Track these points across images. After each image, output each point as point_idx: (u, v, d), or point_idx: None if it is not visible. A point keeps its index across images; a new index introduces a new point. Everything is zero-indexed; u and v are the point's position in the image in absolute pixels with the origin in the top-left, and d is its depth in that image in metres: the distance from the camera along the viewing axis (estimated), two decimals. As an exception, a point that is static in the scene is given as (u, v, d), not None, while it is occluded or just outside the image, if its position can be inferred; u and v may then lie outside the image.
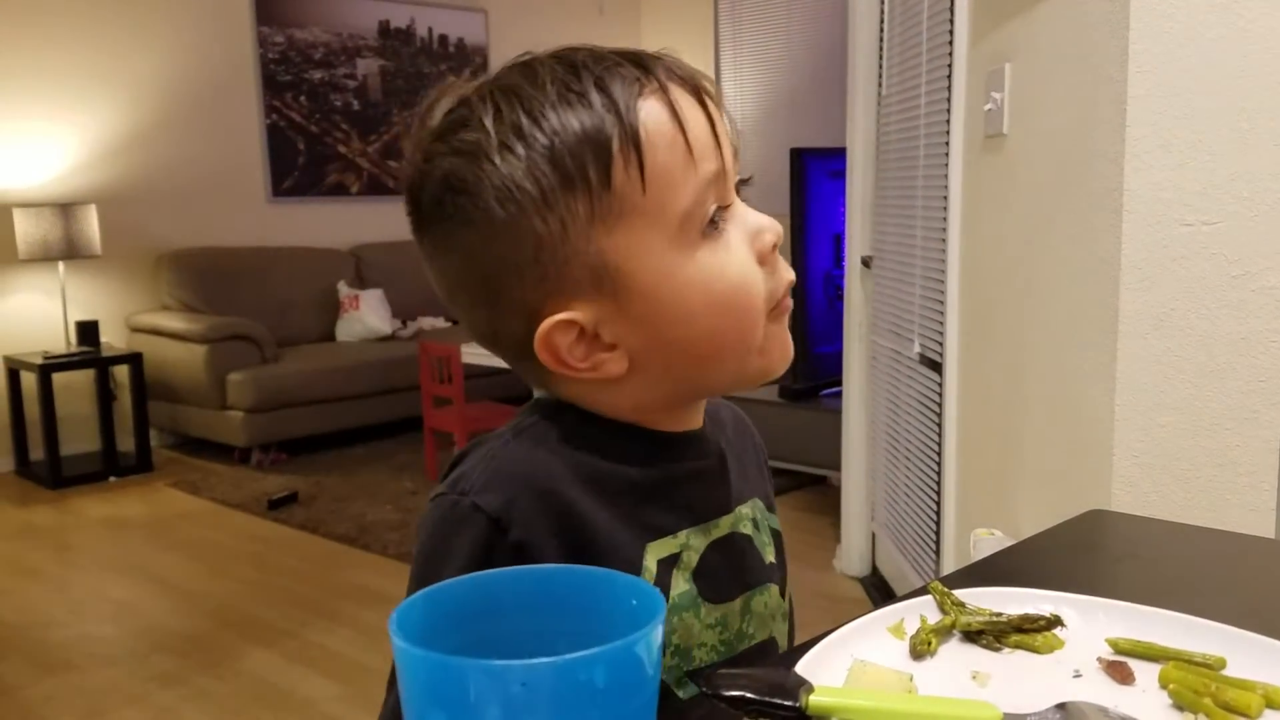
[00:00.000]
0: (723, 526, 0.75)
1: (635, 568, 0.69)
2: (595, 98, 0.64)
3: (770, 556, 0.79)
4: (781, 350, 0.71)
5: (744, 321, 0.68)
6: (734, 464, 0.79)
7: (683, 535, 0.72)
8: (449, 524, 0.66)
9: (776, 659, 0.78)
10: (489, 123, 0.65)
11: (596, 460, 0.70)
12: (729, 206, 0.68)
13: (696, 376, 0.70)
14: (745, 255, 0.67)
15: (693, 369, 0.69)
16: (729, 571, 0.74)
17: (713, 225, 0.66)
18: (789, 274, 0.70)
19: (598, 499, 0.68)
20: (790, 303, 0.71)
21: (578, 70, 0.65)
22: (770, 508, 0.83)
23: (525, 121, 0.64)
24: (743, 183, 0.71)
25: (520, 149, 0.64)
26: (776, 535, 0.82)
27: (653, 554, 0.70)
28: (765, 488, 0.84)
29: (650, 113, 0.64)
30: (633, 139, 0.63)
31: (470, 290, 0.70)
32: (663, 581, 0.69)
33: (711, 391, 0.74)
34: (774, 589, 0.78)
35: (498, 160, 0.64)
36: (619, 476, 0.70)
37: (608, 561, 0.66)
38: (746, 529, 0.77)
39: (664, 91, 0.65)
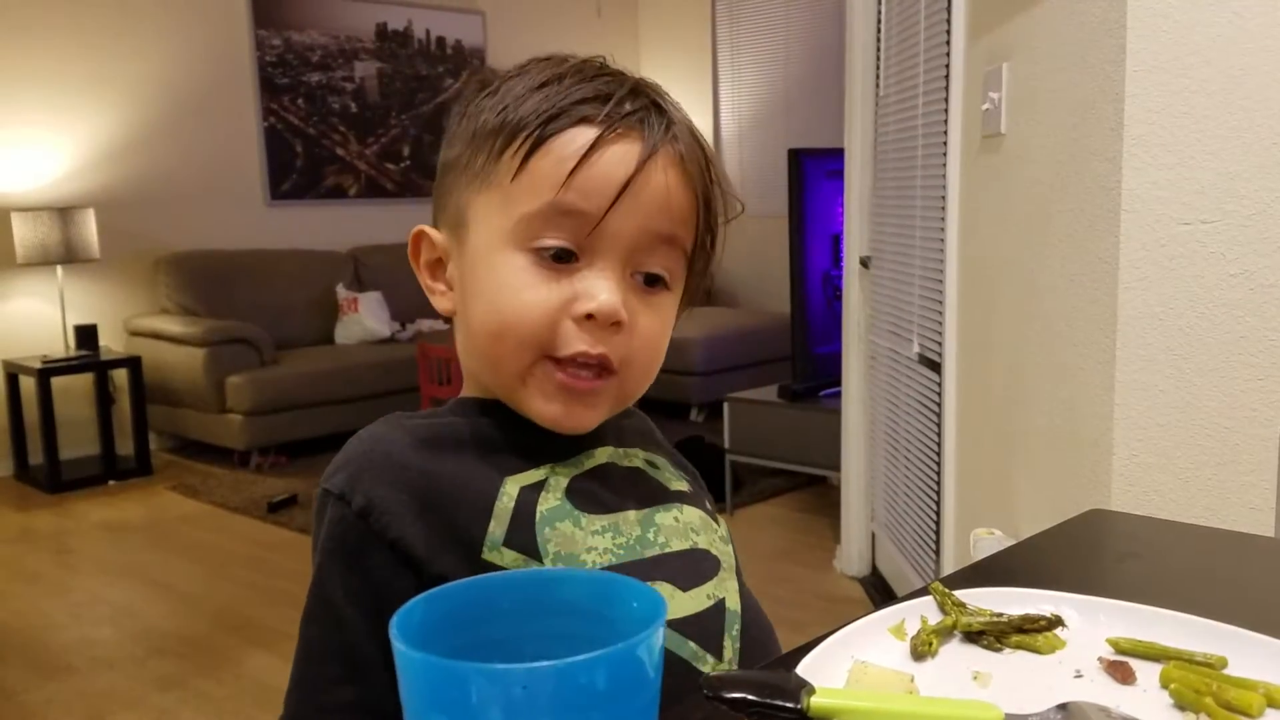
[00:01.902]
0: (597, 457, 0.77)
1: (490, 499, 0.70)
2: (557, 97, 0.70)
3: (680, 486, 0.81)
4: (548, 409, 0.71)
5: (504, 336, 0.70)
6: (621, 428, 0.81)
7: (545, 468, 0.74)
8: (316, 514, 0.72)
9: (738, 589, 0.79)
10: (511, 72, 0.75)
11: (453, 429, 0.75)
12: (583, 260, 0.70)
13: (476, 363, 0.75)
14: (556, 298, 0.69)
15: (472, 350, 0.75)
16: (612, 490, 0.75)
17: (553, 258, 0.69)
18: (585, 347, 0.69)
19: (444, 452, 0.72)
20: (583, 384, 0.70)
21: (587, 74, 0.72)
22: (676, 466, 0.85)
23: (518, 83, 0.73)
24: (654, 279, 0.72)
25: (495, 98, 0.73)
26: (695, 478, 0.84)
27: (513, 483, 0.72)
28: (671, 456, 0.86)
29: (573, 134, 0.70)
30: (536, 138, 0.70)
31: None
32: (527, 501, 0.71)
33: (506, 400, 0.74)
34: (690, 509, 0.79)
35: (483, 96, 0.74)
36: (470, 433, 0.74)
37: (458, 500, 0.70)
38: (634, 463, 0.79)
39: (607, 131, 0.69)
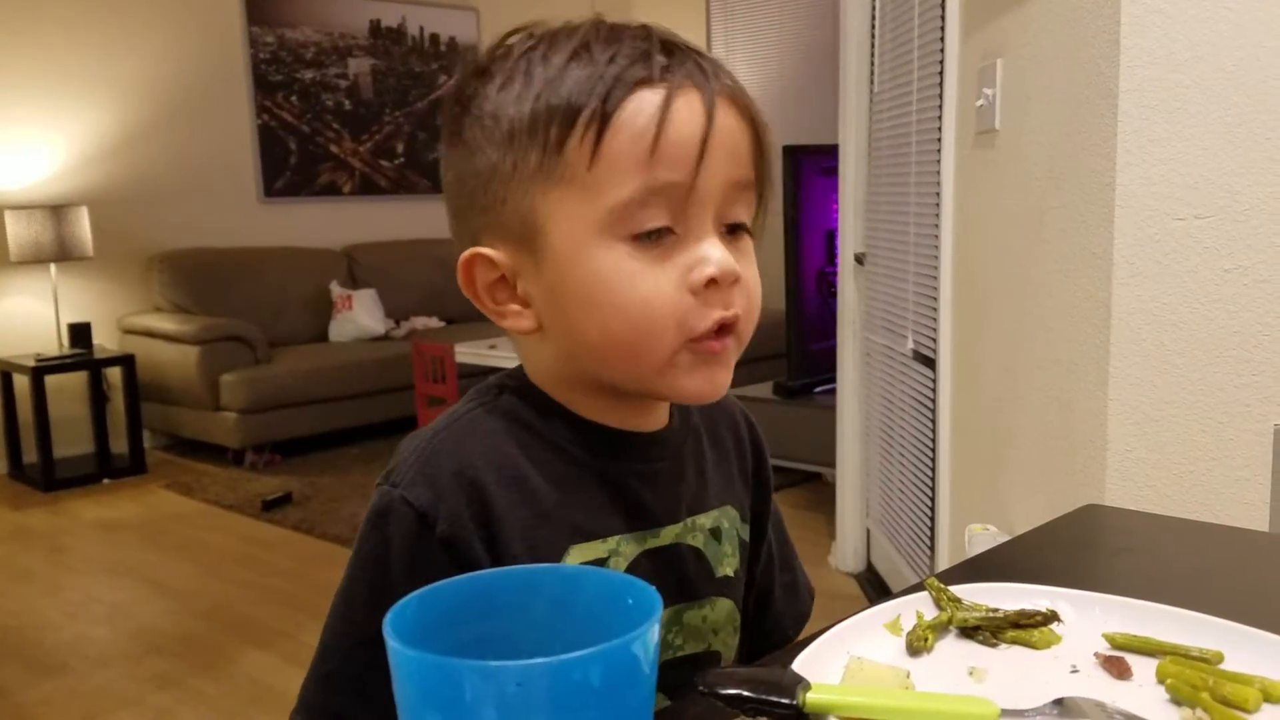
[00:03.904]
0: (664, 537, 0.73)
1: None
2: (600, 67, 0.65)
3: (727, 570, 0.77)
4: (691, 384, 0.68)
5: (640, 338, 0.66)
6: (704, 469, 0.78)
7: (613, 541, 0.70)
8: (381, 516, 0.68)
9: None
10: (515, 54, 0.68)
11: (532, 448, 0.70)
12: (679, 229, 0.66)
13: (596, 367, 0.69)
14: (670, 279, 0.65)
15: (590, 358, 0.69)
16: (662, 584, 0.72)
17: (652, 238, 0.65)
18: (723, 313, 0.66)
19: (523, 493, 0.69)
20: (720, 346, 0.67)
21: (610, 37, 0.66)
22: (744, 517, 0.81)
23: (538, 63, 0.66)
24: (737, 227, 0.69)
25: (518, 86, 0.66)
26: (744, 546, 0.80)
27: (575, 556, 0.69)
28: (744, 497, 0.82)
29: (637, 101, 0.64)
30: (601, 116, 0.64)
31: (449, 201, 0.73)
32: None
33: (621, 388, 0.71)
34: (723, 603, 0.76)
35: (497, 88, 0.67)
36: (552, 468, 0.70)
37: (523, 561, 0.67)
38: (696, 540, 0.75)
39: (669, 90, 0.65)
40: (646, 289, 0.65)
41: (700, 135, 0.65)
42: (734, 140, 0.67)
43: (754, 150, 0.69)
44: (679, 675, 0.70)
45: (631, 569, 0.70)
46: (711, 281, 0.65)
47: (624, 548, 0.71)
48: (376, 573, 0.68)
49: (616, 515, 0.71)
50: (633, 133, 0.64)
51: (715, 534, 0.77)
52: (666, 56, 0.66)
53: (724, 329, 0.67)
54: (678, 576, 0.74)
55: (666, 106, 0.64)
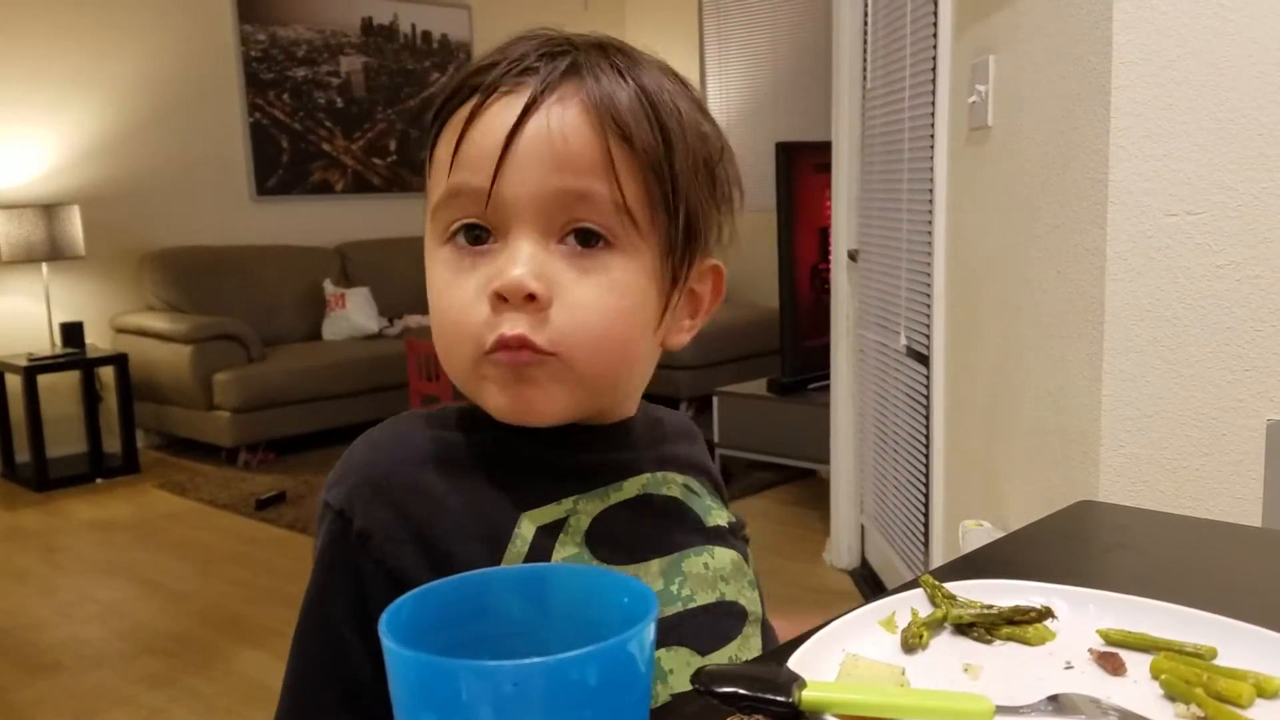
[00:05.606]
0: (628, 489, 0.70)
1: (502, 539, 0.65)
2: (455, 78, 0.67)
3: (718, 520, 0.74)
4: (499, 400, 0.64)
5: (446, 346, 0.65)
6: (673, 440, 0.77)
7: (568, 502, 0.67)
8: (317, 523, 0.68)
9: (768, 651, 0.77)
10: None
11: (463, 435, 0.69)
12: (499, 237, 0.63)
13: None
14: (472, 289, 0.63)
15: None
16: (639, 533, 0.69)
17: (469, 244, 0.64)
18: (505, 330, 0.61)
19: (455, 474, 0.67)
20: (509, 358, 0.62)
21: (508, 44, 0.68)
22: (718, 491, 0.80)
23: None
24: (589, 238, 0.63)
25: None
26: (728, 506, 0.79)
27: (530, 521, 0.66)
28: (716, 480, 0.81)
29: (462, 109, 0.64)
30: (438, 126, 0.66)
31: None
32: (541, 548, 0.65)
33: (474, 402, 0.67)
34: (724, 552, 0.73)
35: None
36: (488, 449, 0.68)
37: (462, 536, 0.64)
38: (672, 491, 0.73)
39: (490, 94, 0.63)
40: (451, 297, 0.64)
41: (504, 139, 0.61)
42: (554, 147, 0.61)
43: (609, 162, 0.62)
44: (698, 625, 0.69)
45: (598, 524, 0.67)
46: (503, 298, 0.61)
47: (583, 505, 0.67)
48: (310, 582, 0.68)
49: (567, 482, 0.68)
50: (450, 136, 0.64)
51: (691, 489, 0.75)
52: (535, 60, 0.64)
53: (535, 352, 0.62)
54: (660, 525, 0.71)
55: (478, 109, 0.63)
